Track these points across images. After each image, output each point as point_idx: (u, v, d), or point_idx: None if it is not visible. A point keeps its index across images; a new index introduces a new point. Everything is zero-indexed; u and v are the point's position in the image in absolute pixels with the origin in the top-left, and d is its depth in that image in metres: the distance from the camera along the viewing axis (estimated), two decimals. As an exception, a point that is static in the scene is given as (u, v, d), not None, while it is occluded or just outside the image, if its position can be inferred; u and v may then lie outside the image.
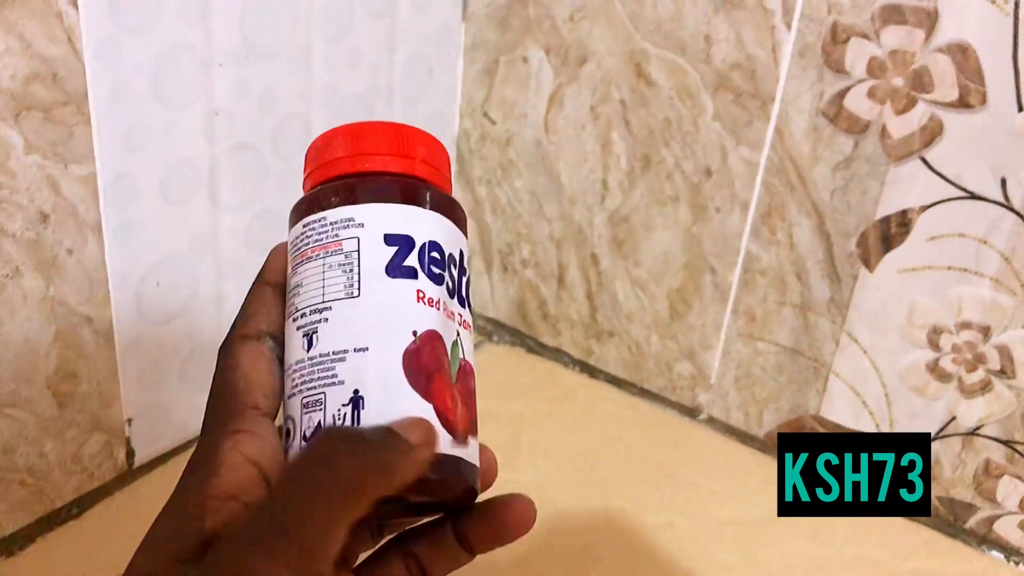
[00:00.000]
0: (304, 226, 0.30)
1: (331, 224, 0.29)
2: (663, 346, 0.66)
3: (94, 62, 0.44)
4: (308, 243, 0.29)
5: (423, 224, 0.30)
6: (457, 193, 0.73)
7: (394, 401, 0.27)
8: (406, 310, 0.29)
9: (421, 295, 0.29)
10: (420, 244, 0.29)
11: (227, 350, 0.29)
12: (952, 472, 0.56)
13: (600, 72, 0.61)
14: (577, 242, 0.67)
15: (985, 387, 0.54)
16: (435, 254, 0.30)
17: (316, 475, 0.23)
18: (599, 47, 0.61)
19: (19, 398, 0.47)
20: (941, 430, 0.56)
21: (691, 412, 0.66)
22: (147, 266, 0.51)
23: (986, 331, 0.52)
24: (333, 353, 0.28)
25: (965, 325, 0.53)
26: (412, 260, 0.29)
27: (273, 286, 0.30)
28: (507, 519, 0.29)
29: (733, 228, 0.60)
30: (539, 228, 0.69)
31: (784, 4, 0.53)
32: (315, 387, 0.28)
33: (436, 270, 0.29)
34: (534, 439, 0.63)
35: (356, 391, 0.27)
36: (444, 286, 0.29)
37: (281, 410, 0.29)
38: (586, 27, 0.61)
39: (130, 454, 0.54)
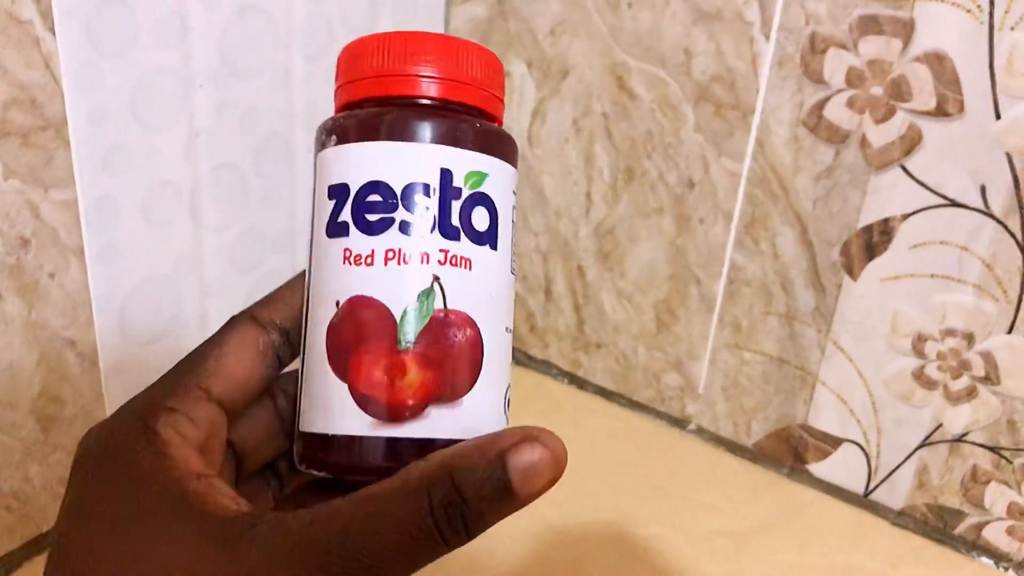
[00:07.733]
0: None
1: None
2: (650, 357, 0.66)
3: (72, 87, 0.44)
4: None
5: (360, 162, 0.26)
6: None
7: (318, 384, 0.26)
8: (331, 276, 0.26)
9: (348, 254, 0.26)
10: (354, 191, 0.26)
11: (230, 324, 0.27)
12: (940, 479, 0.56)
13: (582, 85, 0.62)
14: (563, 255, 0.67)
15: (970, 394, 0.54)
16: (374, 196, 0.26)
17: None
18: (580, 60, 0.61)
19: (3, 423, 0.47)
20: (928, 437, 0.56)
21: (680, 423, 0.66)
22: (130, 288, 0.51)
23: (970, 338, 0.53)
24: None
25: (949, 332, 0.53)
26: (345, 214, 0.26)
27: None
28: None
29: (717, 239, 0.60)
30: (525, 241, 0.69)
31: (762, 16, 0.53)
32: None
33: (372, 216, 0.25)
34: (523, 453, 0.63)
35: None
36: (392, 228, 0.25)
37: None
38: (566, 41, 0.61)
39: (117, 476, 0.54)
